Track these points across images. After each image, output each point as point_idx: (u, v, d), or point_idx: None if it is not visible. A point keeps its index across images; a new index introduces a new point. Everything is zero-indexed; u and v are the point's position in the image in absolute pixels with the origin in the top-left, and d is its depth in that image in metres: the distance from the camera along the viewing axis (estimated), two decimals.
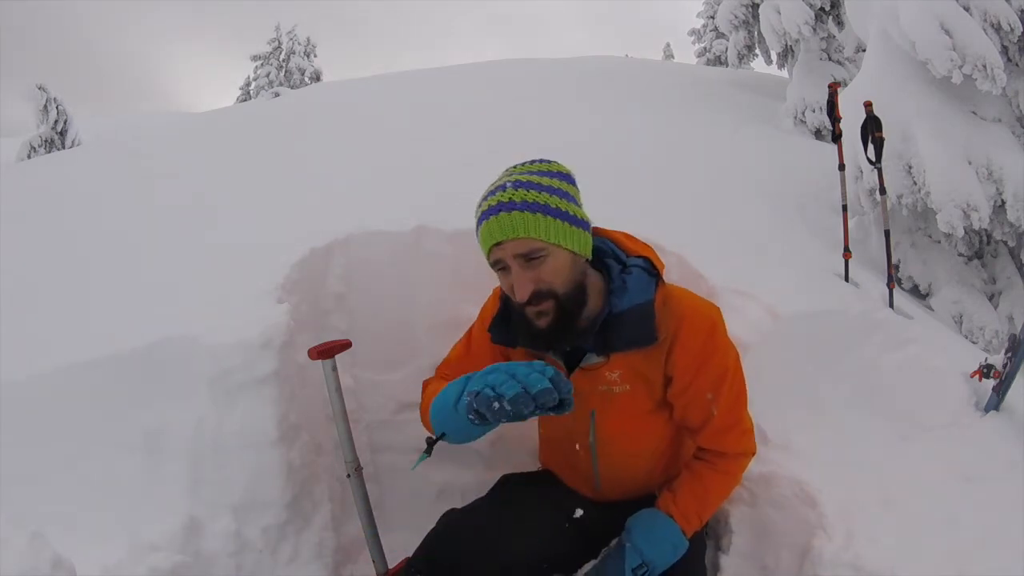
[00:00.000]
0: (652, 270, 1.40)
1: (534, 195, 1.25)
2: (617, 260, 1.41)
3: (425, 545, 1.45)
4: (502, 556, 1.40)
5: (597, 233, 1.43)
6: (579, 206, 1.33)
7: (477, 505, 1.54)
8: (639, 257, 1.42)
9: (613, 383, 1.41)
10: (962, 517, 1.50)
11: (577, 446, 1.51)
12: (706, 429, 1.44)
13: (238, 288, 1.93)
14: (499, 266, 1.29)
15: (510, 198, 1.24)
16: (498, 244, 1.26)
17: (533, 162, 1.33)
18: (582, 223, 1.31)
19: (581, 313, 1.32)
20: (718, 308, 1.45)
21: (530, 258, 1.25)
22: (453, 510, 1.51)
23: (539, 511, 1.53)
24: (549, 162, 1.34)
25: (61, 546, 1.22)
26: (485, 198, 1.29)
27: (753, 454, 1.53)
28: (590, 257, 1.35)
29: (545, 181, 1.28)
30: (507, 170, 1.35)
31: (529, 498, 1.57)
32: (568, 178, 1.33)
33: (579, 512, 1.54)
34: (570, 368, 1.42)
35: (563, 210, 1.27)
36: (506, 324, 1.43)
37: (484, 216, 1.27)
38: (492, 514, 1.49)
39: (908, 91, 3.81)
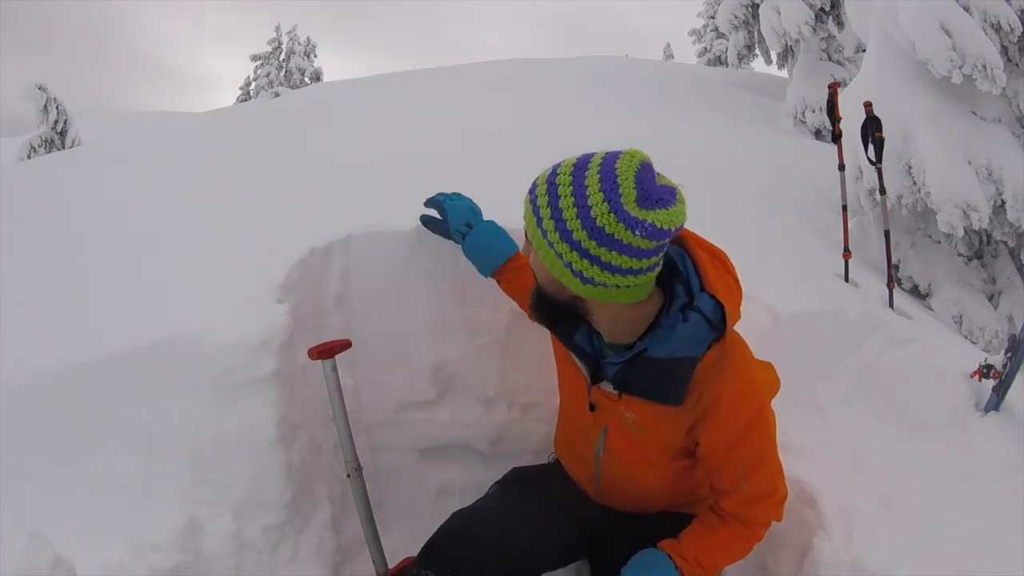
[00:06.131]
0: (718, 323, 1.17)
1: (545, 198, 1.11)
2: (687, 290, 1.19)
3: (431, 544, 1.45)
4: (506, 561, 1.40)
5: (686, 244, 1.23)
6: (579, 245, 1.07)
7: (483, 505, 1.54)
8: (711, 298, 1.18)
9: (626, 419, 1.34)
10: (961, 517, 1.50)
11: (586, 450, 1.47)
12: (732, 497, 1.33)
13: (238, 288, 1.92)
14: None
15: (537, 181, 1.14)
16: None
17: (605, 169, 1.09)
18: (561, 257, 1.09)
19: (579, 322, 1.26)
20: (772, 383, 1.36)
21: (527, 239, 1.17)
22: (461, 510, 1.51)
23: (544, 511, 1.52)
24: (616, 180, 1.06)
25: (61, 546, 1.23)
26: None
27: (778, 521, 1.39)
28: (571, 293, 1.15)
29: (568, 191, 1.08)
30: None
31: (535, 498, 1.56)
32: (600, 231, 1.05)
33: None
34: (594, 381, 1.34)
35: (545, 229, 1.10)
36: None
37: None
38: (497, 518, 1.48)
39: (908, 91, 3.81)
